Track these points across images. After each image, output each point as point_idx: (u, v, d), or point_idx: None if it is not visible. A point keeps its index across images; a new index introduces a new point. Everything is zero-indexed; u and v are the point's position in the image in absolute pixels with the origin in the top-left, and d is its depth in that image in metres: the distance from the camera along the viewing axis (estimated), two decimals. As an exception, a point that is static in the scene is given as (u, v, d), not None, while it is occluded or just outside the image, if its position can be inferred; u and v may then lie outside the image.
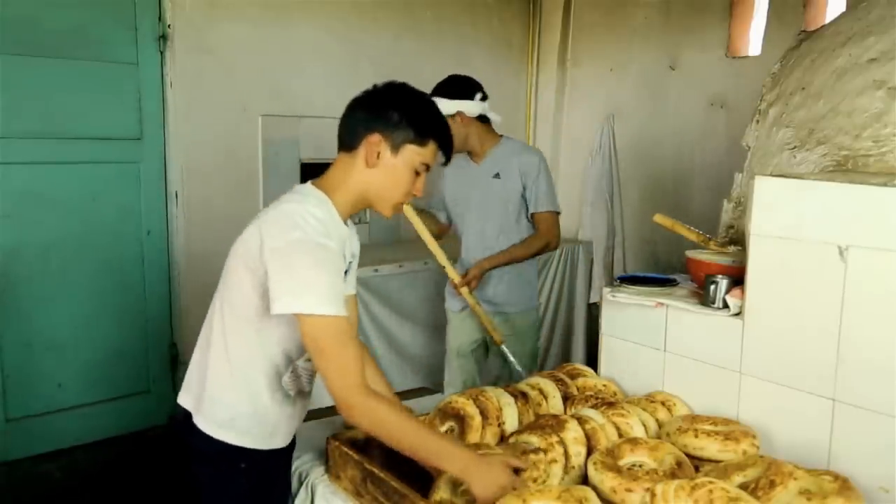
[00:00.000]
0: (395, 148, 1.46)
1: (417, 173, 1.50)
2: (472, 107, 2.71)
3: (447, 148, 1.52)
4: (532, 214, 2.76)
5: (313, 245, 1.37)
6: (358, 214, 4.78)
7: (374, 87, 1.51)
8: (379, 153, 1.46)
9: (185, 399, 1.60)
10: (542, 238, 2.78)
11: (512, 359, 2.67)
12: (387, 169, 1.47)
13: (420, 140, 1.47)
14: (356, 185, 1.49)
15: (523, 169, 2.73)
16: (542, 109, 4.95)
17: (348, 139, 1.48)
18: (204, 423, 1.54)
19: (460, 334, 2.87)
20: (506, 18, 4.80)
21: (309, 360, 1.52)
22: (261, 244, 1.39)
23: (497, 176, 2.74)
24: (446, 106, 2.66)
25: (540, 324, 3.11)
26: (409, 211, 2.62)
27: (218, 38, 3.56)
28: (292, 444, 1.68)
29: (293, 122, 3.78)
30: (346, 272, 1.55)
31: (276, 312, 1.37)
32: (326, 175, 1.52)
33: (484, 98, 2.74)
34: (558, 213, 2.80)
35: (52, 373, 3.33)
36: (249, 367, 1.51)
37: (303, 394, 1.61)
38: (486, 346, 2.91)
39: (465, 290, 2.68)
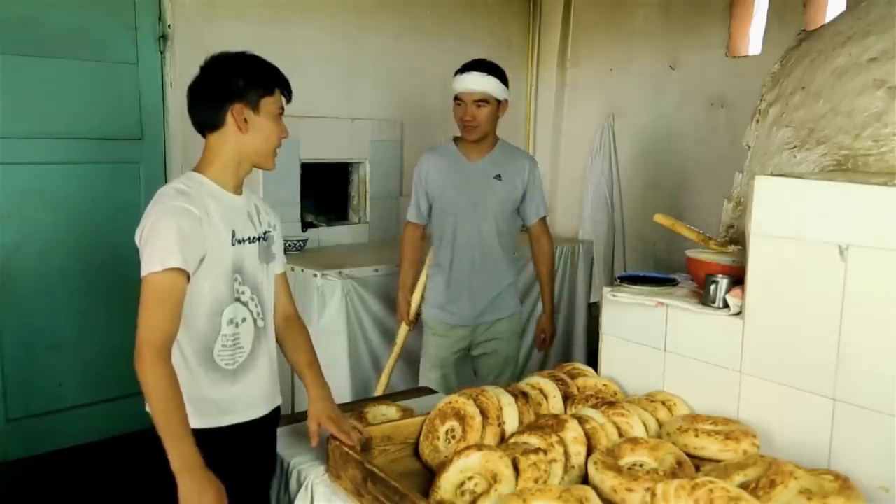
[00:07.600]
0: (255, 107, 1.63)
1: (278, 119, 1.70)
2: (508, 98, 2.69)
3: (287, 86, 1.71)
4: (541, 219, 2.81)
5: (164, 209, 1.52)
6: (358, 214, 4.73)
7: (202, 71, 1.65)
8: (245, 118, 1.62)
9: None
10: (549, 246, 2.87)
11: None
12: (257, 127, 1.64)
13: (269, 91, 1.66)
14: (233, 153, 1.64)
15: (526, 175, 2.74)
16: (542, 109, 4.95)
17: (211, 121, 1.63)
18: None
19: (446, 345, 2.80)
20: (506, 18, 4.80)
21: (232, 322, 1.62)
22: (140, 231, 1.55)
23: (498, 177, 2.69)
24: (498, 89, 2.62)
25: (522, 330, 3.02)
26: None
27: (218, 38, 3.54)
28: (257, 424, 1.71)
29: (293, 122, 3.72)
30: (260, 239, 1.70)
31: (142, 275, 1.49)
32: (200, 159, 1.67)
33: None
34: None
35: (52, 373, 3.34)
36: (182, 349, 1.58)
37: (244, 368, 1.66)
38: (468, 353, 2.87)
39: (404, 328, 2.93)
